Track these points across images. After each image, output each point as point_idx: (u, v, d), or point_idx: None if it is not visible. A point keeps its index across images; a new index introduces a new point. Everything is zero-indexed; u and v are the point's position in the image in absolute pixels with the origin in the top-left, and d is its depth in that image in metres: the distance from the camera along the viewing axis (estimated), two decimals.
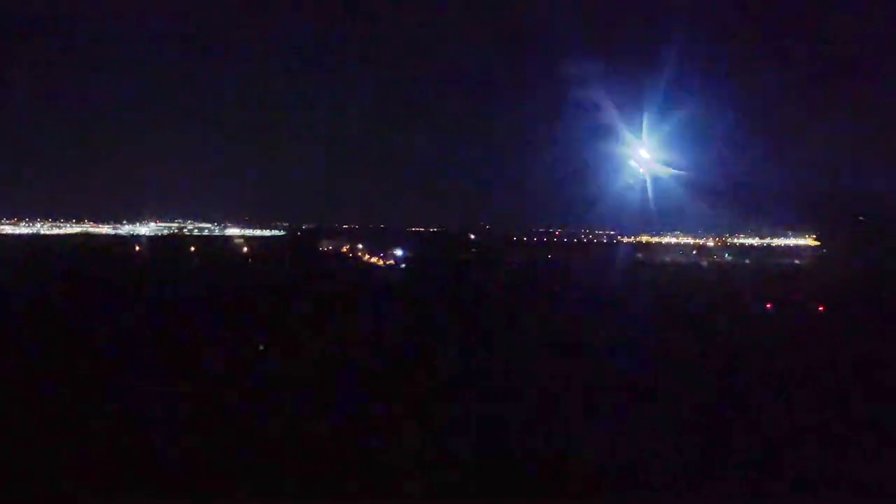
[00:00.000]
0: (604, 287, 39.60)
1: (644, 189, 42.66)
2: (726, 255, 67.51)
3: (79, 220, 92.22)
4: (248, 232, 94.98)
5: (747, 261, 65.86)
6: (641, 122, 39.02)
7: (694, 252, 70.68)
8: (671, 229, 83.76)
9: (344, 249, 72.24)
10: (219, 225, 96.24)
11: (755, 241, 76.30)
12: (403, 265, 60.85)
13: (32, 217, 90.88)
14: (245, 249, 69.52)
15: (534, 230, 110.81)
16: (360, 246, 72.29)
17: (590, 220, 78.48)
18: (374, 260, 64.50)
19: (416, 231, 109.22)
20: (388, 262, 62.28)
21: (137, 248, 67.41)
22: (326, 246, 74.35)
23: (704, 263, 62.55)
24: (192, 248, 67.10)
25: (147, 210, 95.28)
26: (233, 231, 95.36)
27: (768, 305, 33.66)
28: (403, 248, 66.47)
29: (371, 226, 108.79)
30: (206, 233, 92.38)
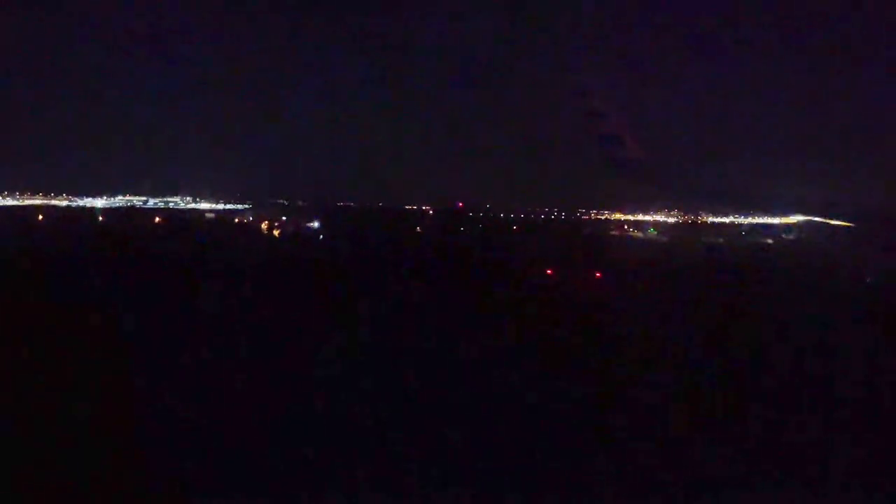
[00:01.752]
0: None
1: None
2: (650, 229, 60.10)
3: (57, 194, 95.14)
4: (219, 207, 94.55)
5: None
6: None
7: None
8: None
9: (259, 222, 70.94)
10: (192, 199, 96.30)
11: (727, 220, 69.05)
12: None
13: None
14: (157, 220, 68.61)
15: (525, 210, 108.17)
16: (283, 218, 71.98)
17: None
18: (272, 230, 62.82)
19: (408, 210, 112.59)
20: (274, 232, 60.61)
21: None
22: (244, 218, 74.01)
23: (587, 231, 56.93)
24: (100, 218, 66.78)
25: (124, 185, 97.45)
26: (204, 206, 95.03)
27: (549, 271, 32.97)
28: (321, 222, 67.58)
29: (369, 204, 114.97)
30: (161, 205, 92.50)
